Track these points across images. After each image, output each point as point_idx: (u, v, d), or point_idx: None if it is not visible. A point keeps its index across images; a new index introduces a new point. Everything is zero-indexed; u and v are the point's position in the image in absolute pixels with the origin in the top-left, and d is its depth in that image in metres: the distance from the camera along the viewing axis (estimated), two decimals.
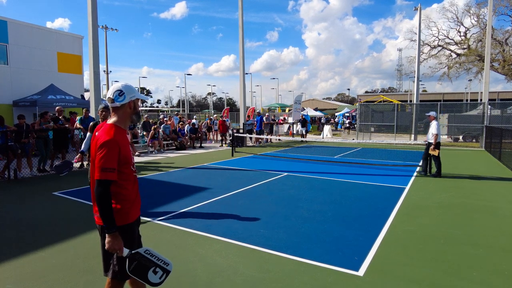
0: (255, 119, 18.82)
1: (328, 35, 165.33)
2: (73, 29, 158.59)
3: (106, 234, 2.15)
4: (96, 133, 2.32)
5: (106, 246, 2.16)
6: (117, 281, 2.35)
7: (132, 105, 2.38)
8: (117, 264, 2.28)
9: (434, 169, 9.34)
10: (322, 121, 39.78)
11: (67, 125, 10.63)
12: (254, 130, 17.90)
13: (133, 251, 2.23)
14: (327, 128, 26.03)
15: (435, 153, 8.92)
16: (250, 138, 17.81)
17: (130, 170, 2.33)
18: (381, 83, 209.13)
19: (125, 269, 2.29)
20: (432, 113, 9.14)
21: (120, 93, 2.31)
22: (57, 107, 10.68)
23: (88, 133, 5.44)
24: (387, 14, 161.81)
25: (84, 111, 10.84)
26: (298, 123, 22.24)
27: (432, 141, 8.93)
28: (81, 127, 10.35)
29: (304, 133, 21.28)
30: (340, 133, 29.94)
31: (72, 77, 19.14)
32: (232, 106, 71.58)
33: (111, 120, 2.34)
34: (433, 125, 8.92)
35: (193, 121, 20.54)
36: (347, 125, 34.11)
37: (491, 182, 8.60)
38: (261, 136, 17.51)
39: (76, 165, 10.68)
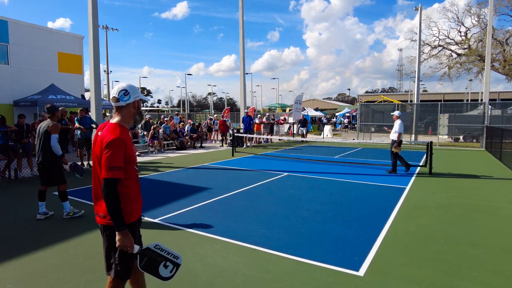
0: (243, 119, 17.70)
1: (329, 35, 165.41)
2: (74, 29, 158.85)
3: (116, 232, 2.16)
4: (99, 133, 2.33)
5: (117, 244, 2.17)
6: (119, 281, 2.35)
7: (136, 105, 2.40)
8: (119, 263, 2.28)
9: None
10: (323, 121, 39.93)
11: (70, 126, 10.65)
12: (241, 131, 16.94)
13: (143, 247, 2.26)
14: (327, 128, 26.03)
15: (398, 150, 9.30)
16: (250, 139, 17.65)
17: (133, 169, 2.35)
18: (382, 83, 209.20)
19: (126, 269, 2.30)
20: (396, 113, 9.54)
21: (125, 92, 2.32)
22: (60, 108, 10.68)
23: (56, 135, 5.39)
24: (388, 14, 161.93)
25: (79, 111, 10.85)
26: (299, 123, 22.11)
27: (395, 138, 9.24)
28: (81, 127, 10.36)
29: (304, 133, 21.26)
30: (341, 133, 29.97)
31: (73, 77, 19.17)
32: (233, 106, 71.57)
33: (115, 119, 2.34)
34: (397, 124, 9.29)
35: (209, 117, 20.23)
36: (346, 123, 34.64)
37: (491, 182, 8.60)
38: (248, 135, 16.55)
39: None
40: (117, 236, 2.17)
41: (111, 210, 2.14)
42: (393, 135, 9.34)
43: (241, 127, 17.64)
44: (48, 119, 5.50)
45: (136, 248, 2.23)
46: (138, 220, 2.44)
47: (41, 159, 5.40)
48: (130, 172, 2.31)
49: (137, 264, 2.25)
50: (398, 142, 9.21)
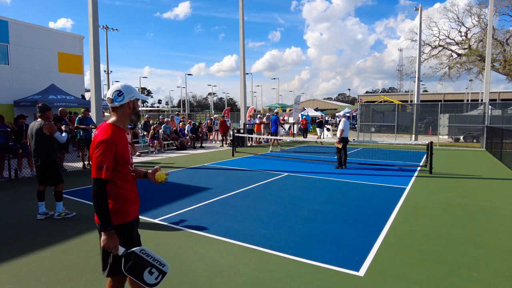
0: (271, 119, 16.28)
1: (330, 35, 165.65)
2: (76, 29, 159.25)
3: (102, 232, 2.14)
4: (96, 132, 2.34)
5: (102, 244, 2.16)
6: (118, 280, 2.35)
7: (132, 105, 2.39)
8: (113, 261, 2.27)
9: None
10: (327, 120, 40.21)
11: (70, 126, 10.63)
12: (270, 132, 15.79)
13: (128, 251, 2.21)
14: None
15: (339, 145, 10.25)
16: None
17: (128, 169, 2.34)
18: (383, 83, 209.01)
19: (120, 267, 2.29)
20: (341, 113, 10.90)
21: (119, 93, 2.32)
22: (60, 108, 10.67)
23: (57, 132, 5.41)
24: (389, 14, 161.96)
25: (82, 111, 10.84)
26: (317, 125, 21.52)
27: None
28: (80, 126, 10.35)
29: (319, 134, 20.86)
30: None
31: (73, 77, 19.17)
32: (233, 106, 71.63)
33: (110, 120, 2.35)
34: (341, 122, 10.44)
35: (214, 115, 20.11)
36: (337, 123, 35.36)
37: (492, 182, 8.59)
38: (276, 138, 15.47)
39: (79, 165, 10.69)
40: (102, 236, 2.15)
41: (97, 209, 2.13)
42: (338, 132, 10.42)
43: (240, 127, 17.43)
44: (39, 119, 5.46)
45: (121, 250, 2.19)
46: (136, 220, 2.44)
47: (37, 160, 5.38)
48: (125, 172, 2.30)
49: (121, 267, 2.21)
50: (340, 139, 10.16)
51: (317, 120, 21.96)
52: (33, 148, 5.41)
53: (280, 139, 15.91)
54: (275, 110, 17.90)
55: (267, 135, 19.24)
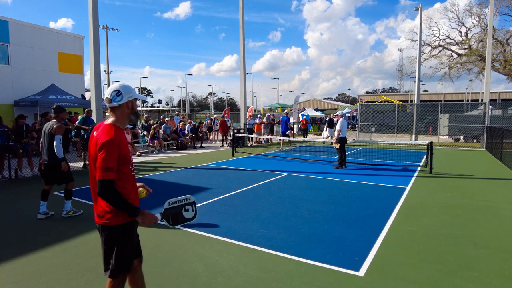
0: (281, 119, 15.85)
1: (331, 35, 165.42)
2: (76, 29, 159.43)
3: (135, 218, 2.26)
4: (94, 133, 2.32)
5: (142, 225, 2.28)
6: (118, 281, 2.35)
7: (130, 105, 2.38)
8: (115, 262, 2.28)
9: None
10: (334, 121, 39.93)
11: (70, 126, 10.64)
12: (280, 132, 15.42)
13: (161, 212, 2.41)
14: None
15: (337, 146, 10.37)
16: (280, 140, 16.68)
17: (129, 169, 2.34)
18: (383, 83, 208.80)
19: (121, 267, 2.31)
20: (339, 113, 11.20)
21: (117, 93, 2.32)
22: None
23: (59, 136, 5.45)
24: (390, 14, 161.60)
25: (86, 111, 10.83)
26: (326, 127, 20.60)
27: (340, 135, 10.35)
28: (84, 127, 10.35)
29: (329, 135, 20.22)
30: None
31: (73, 77, 19.18)
32: (233, 106, 71.59)
33: (110, 120, 2.34)
34: (338, 122, 10.44)
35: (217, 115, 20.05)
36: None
37: (492, 182, 8.59)
38: (287, 138, 15.13)
39: (79, 164, 10.68)
40: (138, 219, 2.26)
41: (116, 206, 2.18)
42: (335, 133, 10.56)
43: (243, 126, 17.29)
44: (54, 120, 5.58)
45: (159, 216, 2.38)
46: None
47: (47, 159, 5.43)
48: (126, 172, 2.31)
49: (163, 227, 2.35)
50: (337, 139, 10.25)
51: (327, 118, 21.41)
52: (44, 147, 5.50)
53: (281, 139, 15.88)
54: (285, 111, 17.76)
55: (267, 135, 19.28)
